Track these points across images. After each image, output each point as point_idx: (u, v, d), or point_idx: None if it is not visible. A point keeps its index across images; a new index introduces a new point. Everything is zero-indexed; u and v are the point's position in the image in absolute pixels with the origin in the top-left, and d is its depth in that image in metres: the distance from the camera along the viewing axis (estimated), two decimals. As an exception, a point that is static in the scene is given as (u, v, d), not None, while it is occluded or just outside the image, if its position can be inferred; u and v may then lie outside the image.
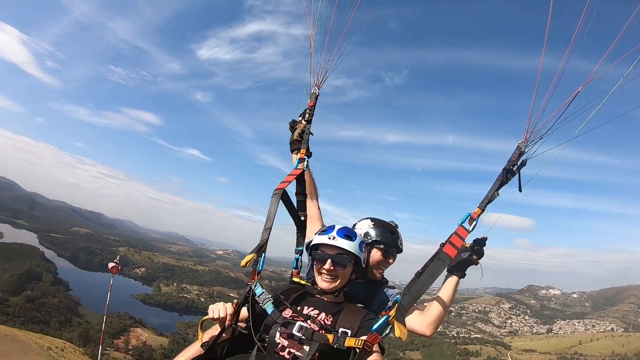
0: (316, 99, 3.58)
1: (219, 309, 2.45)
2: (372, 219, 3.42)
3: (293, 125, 3.57)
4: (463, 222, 2.60)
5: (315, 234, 2.83)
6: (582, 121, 2.49)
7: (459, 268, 2.93)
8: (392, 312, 2.33)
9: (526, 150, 2.61)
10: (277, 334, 2.37)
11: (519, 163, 2.65)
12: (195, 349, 2.53)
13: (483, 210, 2.62)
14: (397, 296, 2.79)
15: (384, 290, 3.28)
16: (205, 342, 2.47)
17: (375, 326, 2.36)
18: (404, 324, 2.30)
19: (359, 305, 2.87)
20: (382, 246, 3.26)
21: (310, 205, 3.56)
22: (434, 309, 2.92)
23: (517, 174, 2.65)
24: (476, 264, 2.90)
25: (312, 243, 2.76)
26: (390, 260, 3.33)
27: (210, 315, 2.47)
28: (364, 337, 2.29)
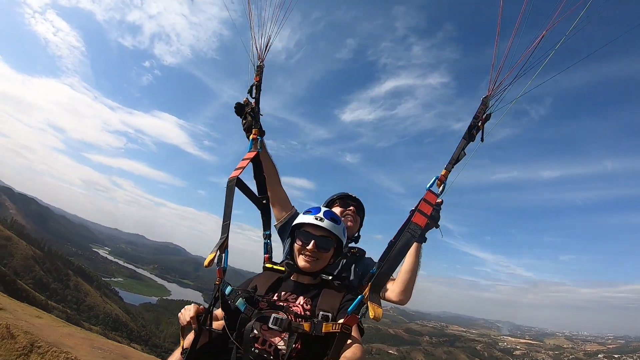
0: (262, 72, 3.38)
1: (183, 314, 2.45)
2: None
3: (240, 109, 3.26)
4: (431, 187, 2.48)
5: (300, 213, 2.79)
6: (546, 71, 2.51)
7: (418, 235, 2.63)
8: (366, 291, 2.19)
9: (490, 103, 2.60)
10: (253, 329, 2.27)
11: (484, 117, 2.59)
12: (176, 357, 2.42)
13: (450, 171, 2.54)
14: (373, 269, 2.77)
15: (362, 261, 3.24)
16: (184, 348, 2.38)
17: (350, 307, 2.24)
18: (379, 303, 2.18)
19: (336, 282, 2.78)
20: (338, 201, 3.53)
21: (276, 189, 3.45)
22: (403, 277, 2.95)
23: (481, 128, 2.58)
24: (437, 227, 2.88)
25: (296, 221, 2.70)
26: (351, 209, 3.46)
27: (181, 321, 2.45)
28: (341, 321, 2.22)
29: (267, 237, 3.16)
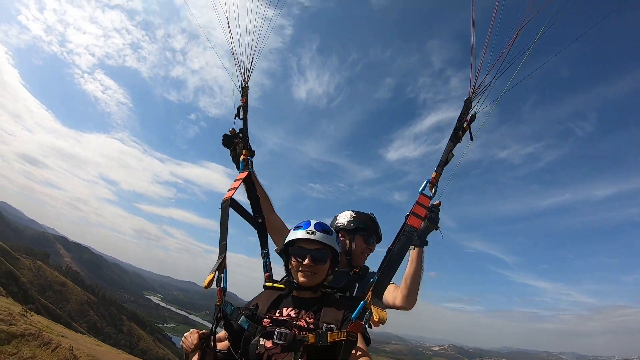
0: (247, 93, 3.44)
1: (186, 340, 2.44)
2: (353, 210, 3.56)
3: (228, 140, 3.37)
4: (423, 190, 2.58)
5: (291, 229, 2.77)
6: (525, 67, 2.56)
7: (419, 239, 2.87)
8: (368, 296, 2.30)
9: (473, 104, 2.64)
10: (258, 346, 2.29)
11: (468, 118, 2.65)
12: None
13: (440, 173, 2.62)
14: (373, 278, 2.70)
15: (366, 276, 3.26)
16: None
17: (354, 314, 2.28)
18: (383, 307, 2.28)
19: (339, 295, 2.78)
20: (364, 233, 3.42)
21: (270, 216, 3.42)
22: (406, 283, 2.93)
23: (468, 128, 2.65)
24: (437, 229, 2.86)
25: (287, 239, 2.68)
26: (372, 247, 3.44)
27: (185, 348, 2.45)
28: (346, 329, 2.26)
29: (266, 255, 3.15)
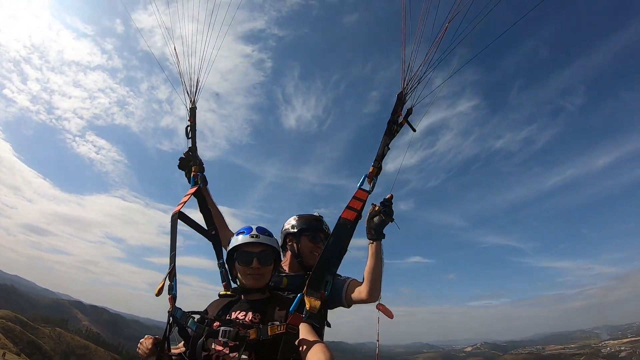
0: (194, 113, 3.67)
1: (141, 346, 2.52)
2: (297, 215, 3.52)
3: (184, 163, 3.62)
4: (362, 185, 2.67)
5: (233, 237, 2.75)
6: (455, 58, 2.62)
7: (375, 233, 2.85)
8: (305, 288, 2.44)
9: (406, 98, 2.70)
10: (205, 347, 2.35)
11: (403, 113, 2.75)
12: None
13: (378, 168, 2.69)
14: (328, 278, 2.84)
15: None
16: None
17: (292, 307, 2.39)
18: (318, 298, 2.40)
19: (288, 295, 2.85)
20: (308, 233, 3.36)
21: (225, 233, 3.54)
22: (368, 276, 2.88)
23: (406, 123, 2.74)
24: (392, 221, 2.81)
25: (231, 245, 2.66)
26: (320, 245, 3.34)
27: (141, 353, 2.51)
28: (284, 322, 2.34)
29: (221, 265, 3.26)
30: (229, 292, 2.88)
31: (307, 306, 2.35)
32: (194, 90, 3.69)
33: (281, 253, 2.97)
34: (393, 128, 2.74)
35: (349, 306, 3.00)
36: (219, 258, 3.34)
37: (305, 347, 2.21)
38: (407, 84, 2.71)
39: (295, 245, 3.35)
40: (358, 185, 2.71)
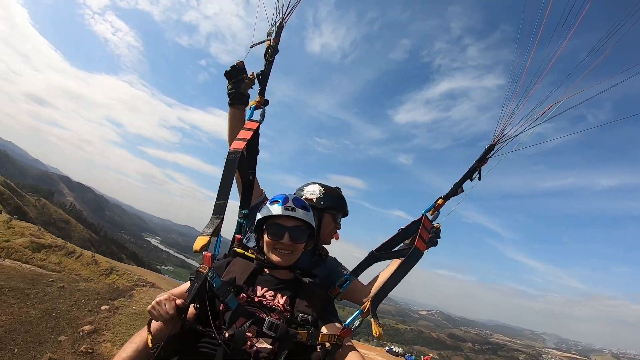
0: (280, 33, 2.96)
1: (158, 307, 1.97)
2: (320, 184, 3.20)
3: (233, 73, 2.82)
4: (427, 212, 2.64)
5: (266, 203, 2.41)
6: (548, 130, 2.43)
7: None
8: (367, 305, 2.20)
9: (495, 149, 2.72)
10: (246, 332, 2.00)
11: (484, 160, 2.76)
12: (140, 343, 2.03)
13: (445, 202, 2.68)
14: (346, 275, 2.83)
15: (330, 260, 3.08)
16: (155, 344, 1.97)
17: (349, 320, 2.22)
18: (378, 321, 2.17)
19: (308, 280, 2.55)
20: (333, 212, 3.11)
21: (256, 189, 3.01)
22: (383, 285, 2.50)
23: (479, 170, 2.73)
24: (433, 245, 2.76)
25: (262, 214, 2.35)
26: (339, 225, 3.18)
27: (156, 318, 1.98)
28: (336, 329, 2.17)
29: (244, 217, 2.84)
30: (247, 254, 2.51)
31: (375, 332, 2.09)
32: (288, 5, 2.90)
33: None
34: (472, 174, 2.69)
35: (337, 300, 2.81)
36: (243, 207, 2.82)
37: (343, 352, 2.10)
38: (499, 139, 2.67)
39: (316, 220, 2.90)
40: (423, 211, 2.61)
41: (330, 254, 3.14)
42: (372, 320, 2.16)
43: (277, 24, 2.98)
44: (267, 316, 2.07)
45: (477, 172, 2.71)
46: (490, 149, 2.72)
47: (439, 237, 2.77)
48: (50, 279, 9.32)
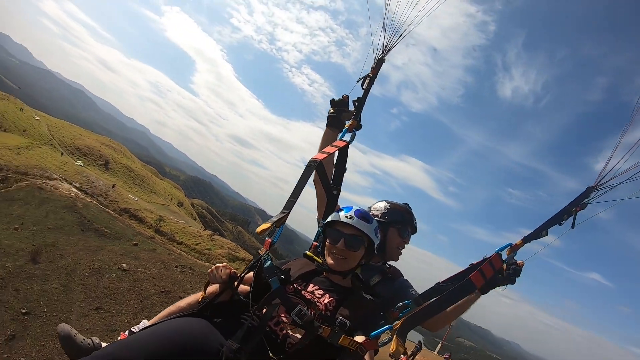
0: (380, 66, 3.15)
1: (217, 272, 2.28)
2: (387, 201, 3.27)
3: (337, 103, 3.17)
4: (501, 250, 2.34)
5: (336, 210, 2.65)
6: None
7: (487, 287, 2.50)
8: (398, 324, 2.05)
9: (592, 194, 2.45)
10: (276, 311, 2.12)
11: (579, 205, 2.47)
12: (194, 298, 2.39)
13: (524, 244, 2.43)
14: (408, 301, 2.46)
15: (395, 281, 3.06)
16: (204, 297, 2.29)
17: (375, 332, 2.08)
18: (404, 341, 2.04)
19: (367, 296, 2.55)
20: (399, 226, 3.13)
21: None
22: (446, 313, 2.65)
23: (574, 215, 2.44)
24: (511, 283, 2.48)
25: (328, 220, 2.58)
26: (407, 240, 3.19)
27: (211, 280, 2.31)
28: (360, 339, 2.01)
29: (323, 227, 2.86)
30: (315, 257, 2.63)
31: (392, 348, 1.96)
32: (392, 41, 3.10)
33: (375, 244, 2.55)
34: (564, 217, 2.40)
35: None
36: (324, 218, 2.87)
37: None
38: (601, 181, 2.40)
39: (381, 235, 2.89)
40: (497, 249, 2.31)
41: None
42: (395, 336, 2.02)
43: (379, 57, 3.13)
44: (304, 307, 2.09)
45: (570, 216, 2.42)
46: (588, 191, 2.45)
47: (518, 276, 2.44)
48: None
